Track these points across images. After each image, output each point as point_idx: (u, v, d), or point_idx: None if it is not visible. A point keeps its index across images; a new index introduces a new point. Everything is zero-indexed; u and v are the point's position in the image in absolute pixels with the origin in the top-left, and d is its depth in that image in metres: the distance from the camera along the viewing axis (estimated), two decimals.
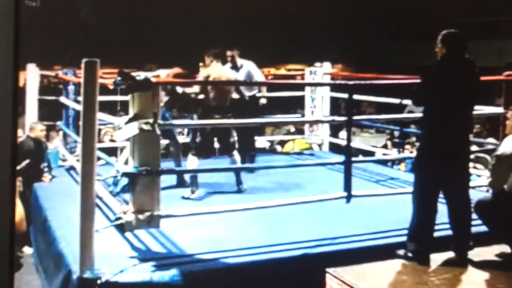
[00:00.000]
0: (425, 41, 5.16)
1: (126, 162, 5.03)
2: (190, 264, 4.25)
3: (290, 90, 8.78)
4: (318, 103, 8.43)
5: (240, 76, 7.17)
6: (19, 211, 4.17)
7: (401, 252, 4.31)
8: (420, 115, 4.53)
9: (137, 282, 3.99)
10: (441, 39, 4.33)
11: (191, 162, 5.90)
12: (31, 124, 7.14)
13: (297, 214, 5.25)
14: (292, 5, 16.45)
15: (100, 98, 4.19)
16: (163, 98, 6.30)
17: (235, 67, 7.24)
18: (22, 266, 4.35)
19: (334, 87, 8.25)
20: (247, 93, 7.32)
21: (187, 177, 6.06)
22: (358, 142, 9.29)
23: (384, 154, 8.79)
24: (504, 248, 4.35)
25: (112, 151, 7.24)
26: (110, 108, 6.98)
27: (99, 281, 3.91)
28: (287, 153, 9.11)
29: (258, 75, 7.42)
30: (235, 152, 6.26)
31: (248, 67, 7.30)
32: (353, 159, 5.34)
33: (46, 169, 6.76)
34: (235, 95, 6.85)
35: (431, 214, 4.28)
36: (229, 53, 7.24)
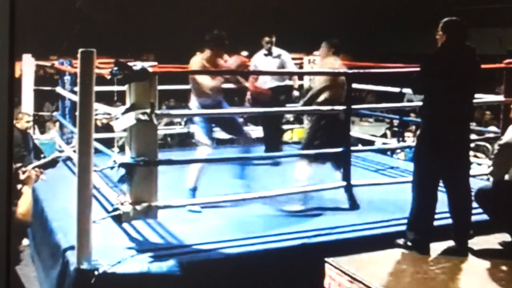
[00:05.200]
0: (426, 29, 5.11)
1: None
2: (188, 255, 4.23)
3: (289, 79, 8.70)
4: None
5: (273, 64, 7.14)
6: (26, 201, 4.12)
7: (400, 241, 4.29)
8: (420, 103, 4.49)
9: (135, 273, 3.97)
10: (441, 27, 4.29)
11: None
12: (17, 114, 6.97)
13: (296, 204, 5.22)
14: None
15: (97, 88, 4.15)
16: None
17: (270, 54, 7.19)
18: (21, 261, 4.32)
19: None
20: (276, 83, 7.26)
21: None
22: (357, 131, 9.25)
23: (384, 143, 8.76)
24: (505, 237, 4.33)
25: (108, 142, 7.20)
26: (107, 98, 6.93)
27: (96, 272, 3.90)
28: (286, 143, 9.06)
29: (291, 66, 7.38)
30: None
31: (282, 56, 7.24)
32: (352, 148, 5.30)
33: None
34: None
35: (431, 203, 4.26)
36: (267, 39, 7.18)
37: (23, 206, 4.09)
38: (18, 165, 4.27)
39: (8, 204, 3.40)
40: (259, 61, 7.26)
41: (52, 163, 4.56)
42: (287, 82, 7.39)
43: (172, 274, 4.01)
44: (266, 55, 7.25)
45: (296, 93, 7.64)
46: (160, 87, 4.50)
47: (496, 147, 4.41)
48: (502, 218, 4.31)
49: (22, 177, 4.13)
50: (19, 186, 4.13)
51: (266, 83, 7.26)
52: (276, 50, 7.23)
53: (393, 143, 8.75)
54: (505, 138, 4.32)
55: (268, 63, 7.19)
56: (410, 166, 4.73)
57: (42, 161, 4.56)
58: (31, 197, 4.15)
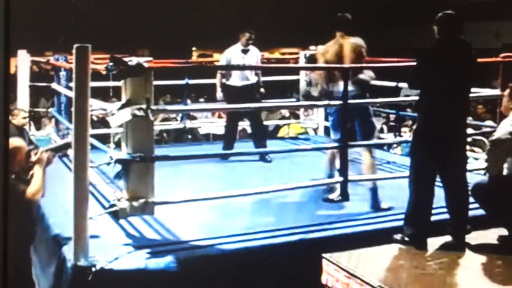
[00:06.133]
0: (422, 24, 5.10)
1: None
2: (185, 251, 4.23)
3: (285, 74, 8.71)
4: (313, 87, 8.35)
5: (252, 61, 7.06)
6: (37, 180, 4.24)
7: (398, 236, 4.29)
8: (416, 98, 4.48)
9: (132, 270, 3.97)
10: (436, 21, 4.29)
11: None
12: (12, 110, 6.97)
13: (293, 199, 5.22)
14: None
15: (92, 84, 4.14)
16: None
17: (247, 50, 7.07)
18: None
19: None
20: (256, 79, 7.18)
21: None
22: None
23: (380, 138, 8.75)
24: (502, 232, 4.34)
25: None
26: (103, 94, 6.92)
27: (93, 269, 3.89)
28: (282, 138, 9.07)
29: (260, 63, 7.33)
30: None
31: (256, 52, 7.15)
32: (349, 143, 5.29)
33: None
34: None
35: (428, 198, 4.26)
36: (248, 35, 7.04)
37: (34, 185, 4.23)
38: (31, 147, 4.40)
39: (4, 199, 3.40)
40: (237, 57, 7.08)
41: (65, 147, 4.61)
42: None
43: (169, 270, 4.00)
44: (243, 51, 7.08)
45: (262, 90, 7.55)
46: (156, 83, 4.48)
47: (488, 143, 4.41)
48: (499, 213, 4.31)
49: (33, 158, 4.24)
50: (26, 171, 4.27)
51: (248, 79, 7.11)
52: (252, 47, 7.12)
53: (389, 138, 8.75)
54: (496, 134, 4.32)
55: (248, 59, 7.06)
56: (407, 161, 4.73)
57: (54, 145, 4.61)
58: (41, 177, 4.27)
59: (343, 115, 5.25)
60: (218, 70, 7.42)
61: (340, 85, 5.28)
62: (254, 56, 7.12)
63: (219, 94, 7.30)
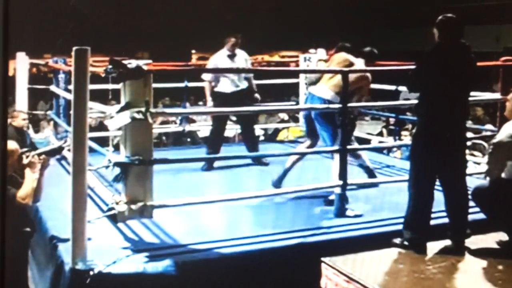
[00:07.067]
0: (422, 27, 5.10)
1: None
2: (183, 255, 4.22)
3: (284, 77, 8.71)
4: None
5: (239, 64, 6.86)
6: (27, 185, 4.23)
7: (397, 240, 4.27)
8: (416, 101, 4.47)
9: (130, 273, 3.95)
10: (437, 24, 4.28)
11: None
12: (12, 112, 6.96)
13: (292, 203, 5.21)
14: None
15: (91, 86, 4.12)
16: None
17: (234, 55, 6.88)
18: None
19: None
20: (246, 85, 6.99)
21: None
22: None
23: (380, 142, 8.76)
24: (502, 236, 4.32)
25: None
26: (102, 96, 6.89)
27: (91, 273, 3.88)
28: (281, 142, 9.06)
29: (249, 65, 7.22)
30: None
31: (245, 56, 7.00)
32: (348, 147, 5.28)
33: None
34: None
35: (428, 202, 4.25)
36: (233, 40, 6.82)
37: (23, 189, 4.22)
38: (24, 150, 4.39)
39: (2, 202, 3.37)
40: (224, 63, 6.86)
41: (58, 150, 4.61)
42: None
43: (167, 274, 3.99)
44: (230, 56, 6.87)
45: (258, 96, 7.31)
46: (155, 85, 4.46)
47: (490, 146, 4.40)
48: (499, 217, 4.29)
49: (25, 161, 4.22)
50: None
51: (238, 86, 6.89)
52: (239, 51, 6.93)
53: (389, 141, 8.75)
54: (498, 137, 4.31)
55: (236, 64, 6.85)
56: (407, 164, 4.72)
57: (46, 148, 4.61)
58: (32, 181, 4.26)
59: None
60: (216, 73, 7.37)
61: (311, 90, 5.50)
62: (243, 60, 6.92)
63: (210, 103, 7.07)
